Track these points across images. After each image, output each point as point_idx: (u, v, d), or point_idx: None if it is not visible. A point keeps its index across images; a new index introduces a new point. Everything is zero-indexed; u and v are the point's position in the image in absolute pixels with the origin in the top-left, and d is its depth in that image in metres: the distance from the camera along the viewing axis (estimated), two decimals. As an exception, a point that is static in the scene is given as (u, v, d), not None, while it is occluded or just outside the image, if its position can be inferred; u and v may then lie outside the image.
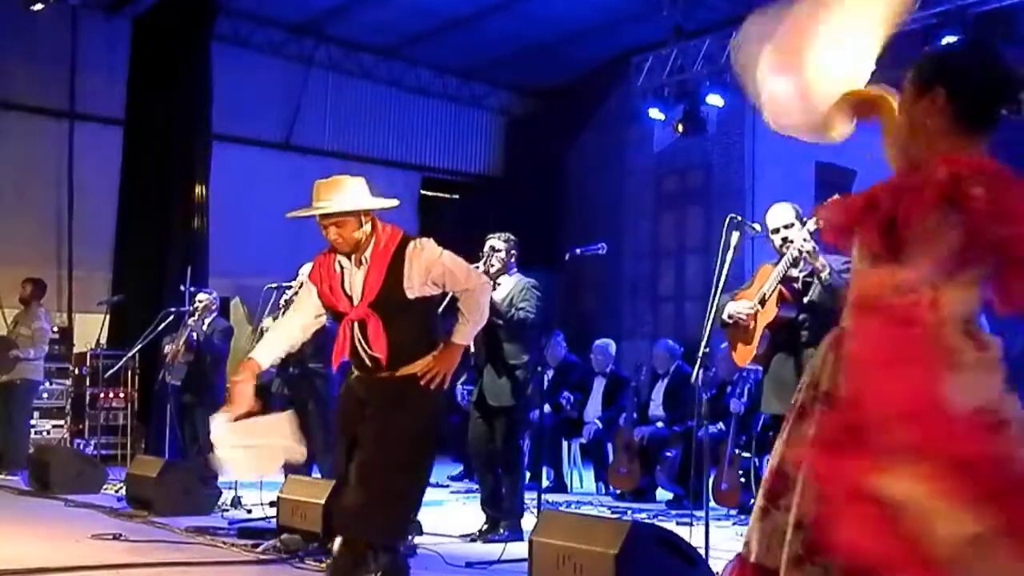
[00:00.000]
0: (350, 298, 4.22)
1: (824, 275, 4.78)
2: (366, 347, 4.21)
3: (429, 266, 4.26)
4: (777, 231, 5.07)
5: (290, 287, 7.39)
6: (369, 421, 4.20)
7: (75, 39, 11.90)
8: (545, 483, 9.20)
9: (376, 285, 4.17)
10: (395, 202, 4.51)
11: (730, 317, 5.04)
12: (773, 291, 4.88)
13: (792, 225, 5.01)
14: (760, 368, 5.27)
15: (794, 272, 4.93)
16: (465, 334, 4.36)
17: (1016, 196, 2.10)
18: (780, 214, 5.12)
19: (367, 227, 4.23)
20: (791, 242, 4.94)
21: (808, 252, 4.80)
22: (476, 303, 4.39)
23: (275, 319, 7.27)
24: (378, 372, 4.21)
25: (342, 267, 4.26)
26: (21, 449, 9.48)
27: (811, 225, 4.85)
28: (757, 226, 5.41)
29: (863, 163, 14.51)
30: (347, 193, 4.25)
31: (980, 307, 2.21)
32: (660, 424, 8.69)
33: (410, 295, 4.20)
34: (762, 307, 4.94)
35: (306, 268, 7.39)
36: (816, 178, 12.99)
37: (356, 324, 4.20)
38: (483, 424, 6.43)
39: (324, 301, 4.33)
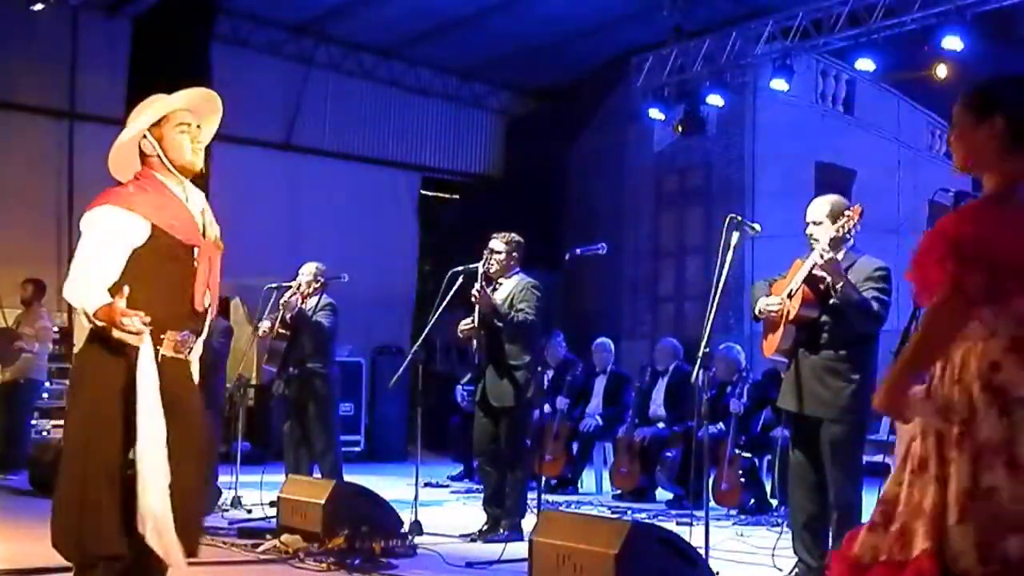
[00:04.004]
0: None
1: (838, 287, 4.65)
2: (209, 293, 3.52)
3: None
4: (807, 225, 4.91)
5: (290, 287, 7.39)
6: (183, 417, 3.39)
7: (75, 39, 11.89)
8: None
9: (214, 219, 3.59)
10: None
11: (760, 312, 5.00)
12: (799, 288, 4.82)
13: (821, 223, 4.79)
14: (783, 363, 5.14)
15: (819, 272, 4.79)
16: None
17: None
18: (814, 209, 4.92)
19: None
20: (817, 241, 4.79)
21: (821, 262, 4.68)
22: None
23: (275, 319, 7.27)
24: (197, 325, 3.48)
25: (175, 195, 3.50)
26: (21, 449, 9.48)
27: (832, 231, 4.71)
28: (757, 226, 5.39)
29: (863, 163, 14.63)
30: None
31: None
32: (661, 424, 8.68)
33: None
34: (790, 300, 4.88)
35: (307, 268, 7.43)
36: (816, 178, 13.01)
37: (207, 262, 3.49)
38: (487, 423, 6.44)
39: (173, 234, 3.40)
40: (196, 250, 3.45)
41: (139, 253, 3.35)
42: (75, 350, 11.10)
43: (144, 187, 3.46)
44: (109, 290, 3.27)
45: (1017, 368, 2.51)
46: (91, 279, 3.29)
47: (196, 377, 3.54)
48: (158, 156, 3.46)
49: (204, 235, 3.50)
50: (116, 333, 3.19)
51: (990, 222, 2.61)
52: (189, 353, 3.45)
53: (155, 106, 3.50)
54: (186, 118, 3.49)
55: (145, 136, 3.46)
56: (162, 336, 3.34)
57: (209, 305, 3.49)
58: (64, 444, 3.50)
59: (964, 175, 2.87)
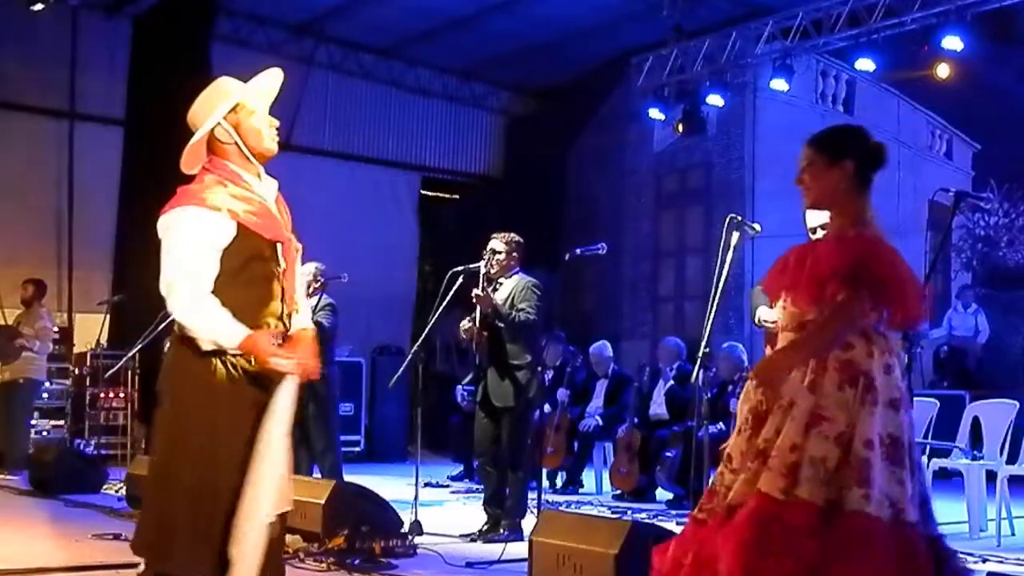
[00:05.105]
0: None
1: None
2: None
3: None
4: (814, 231, 4.91)
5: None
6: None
7: (75, 39, 11.89)
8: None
9: (286, 209, 3.38)
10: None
11: (759, 323, 4.99)
12: None
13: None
14: None
15: None
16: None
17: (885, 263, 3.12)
18: (818, 213, 4.97)
19: None
20: None
21: None
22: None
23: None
24: (284, 326, 3.25)
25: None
26: (21, 449, 9.48)
27: None
28: (757, 226, 5.39)
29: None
30: None
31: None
32: (662, 424, 8.70)
33: None
34: None
35: (307, 268, 7.40)
36: (816, 178, 13.02)
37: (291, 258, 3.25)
38: (489, 424, 6.43)
39: (257, 231, 3.16)
40: (279, 247, 3.23)
41: (224, 254, 3.09)
42: (75, 350, 11.20)
43: (221, 180, 3.21)
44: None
45: (863, 351, 3.02)
46: (210, 301, 3.02)
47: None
48: (235, 144, 3.25)
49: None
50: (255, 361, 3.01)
51: (879, 250, 3.15)
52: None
53: (227, 93, 3.29)
54: (260, 102, 3.32)
55: (219, 124, 3.24)
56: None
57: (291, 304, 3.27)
58: (159, 456, 3.18)
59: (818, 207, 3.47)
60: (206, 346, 3.04)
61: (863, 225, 3.20)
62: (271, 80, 3.38)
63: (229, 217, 3.10)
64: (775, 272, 3.32)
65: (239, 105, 3.26)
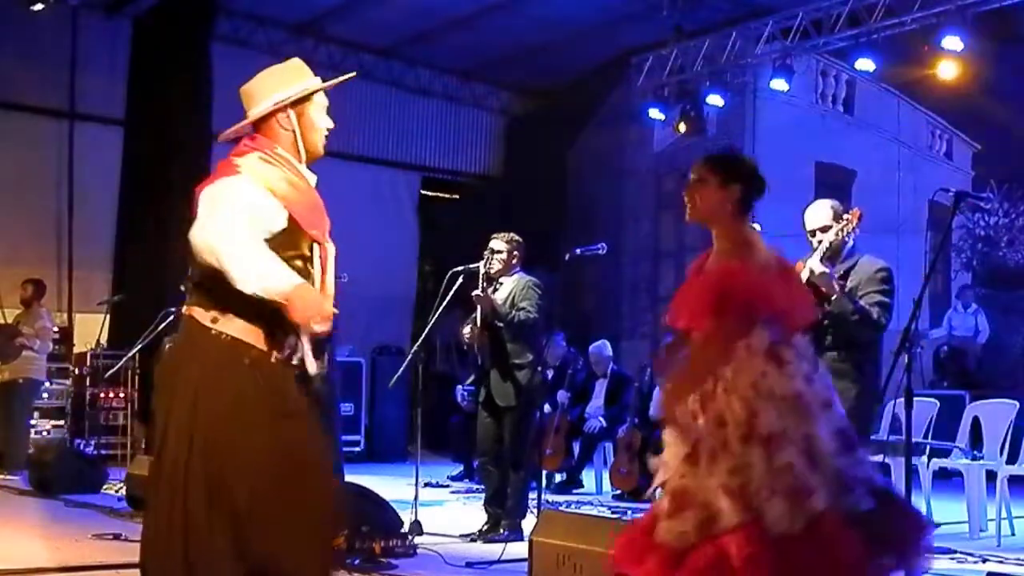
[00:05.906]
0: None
1: (832, 298, 4.58)
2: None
3: None
4: (813, 234, 4.82)
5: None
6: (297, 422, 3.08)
7: (75, 39, 11.88)
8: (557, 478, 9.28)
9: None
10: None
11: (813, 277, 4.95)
12: None
13: (829, 228, 4.73)
14: None
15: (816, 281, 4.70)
16: None
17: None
18: (814, 216, 4.87)
19: None
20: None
21: (815, 275, 4.59)
22: None
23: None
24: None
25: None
26: (21, 449, 9.49)
27: (832, 235, 4.67)
28: (757, 226, 5.34)
29: (863, 163, 14.63)
30: None
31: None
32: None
33: None
34: None
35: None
36: (816, 178, 13.02)
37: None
38: (491, 423, 6.44)
39: (305, 227, 3.02)
40: (316, 247, 3.06)
41: (268, 244, 2.86)
42: (75, 350, 11.20)
43: (275, 161, 2.99)
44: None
45: (778, 375, 3.14)
46: (261, 252, 2.79)
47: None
48: (292, 132, 3.08)
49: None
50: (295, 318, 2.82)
51: (753, 278, 3.28)
52: (302, 362, 3.07)
53: (298, 78, 3.13)
54: (326, 101, 3.14)
55: (284, 109, 3.06)
56: (277, 340, 2.97)
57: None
58: (160, 461, 2.95)
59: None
60: (251, 289, 2.76)
61: (747, 249, 3.36)
62: (341, 84, 3.28)
63: (283, 205, 2.90)
64: (677, 304, 3.47)
65: (312, 98, 3.12)
